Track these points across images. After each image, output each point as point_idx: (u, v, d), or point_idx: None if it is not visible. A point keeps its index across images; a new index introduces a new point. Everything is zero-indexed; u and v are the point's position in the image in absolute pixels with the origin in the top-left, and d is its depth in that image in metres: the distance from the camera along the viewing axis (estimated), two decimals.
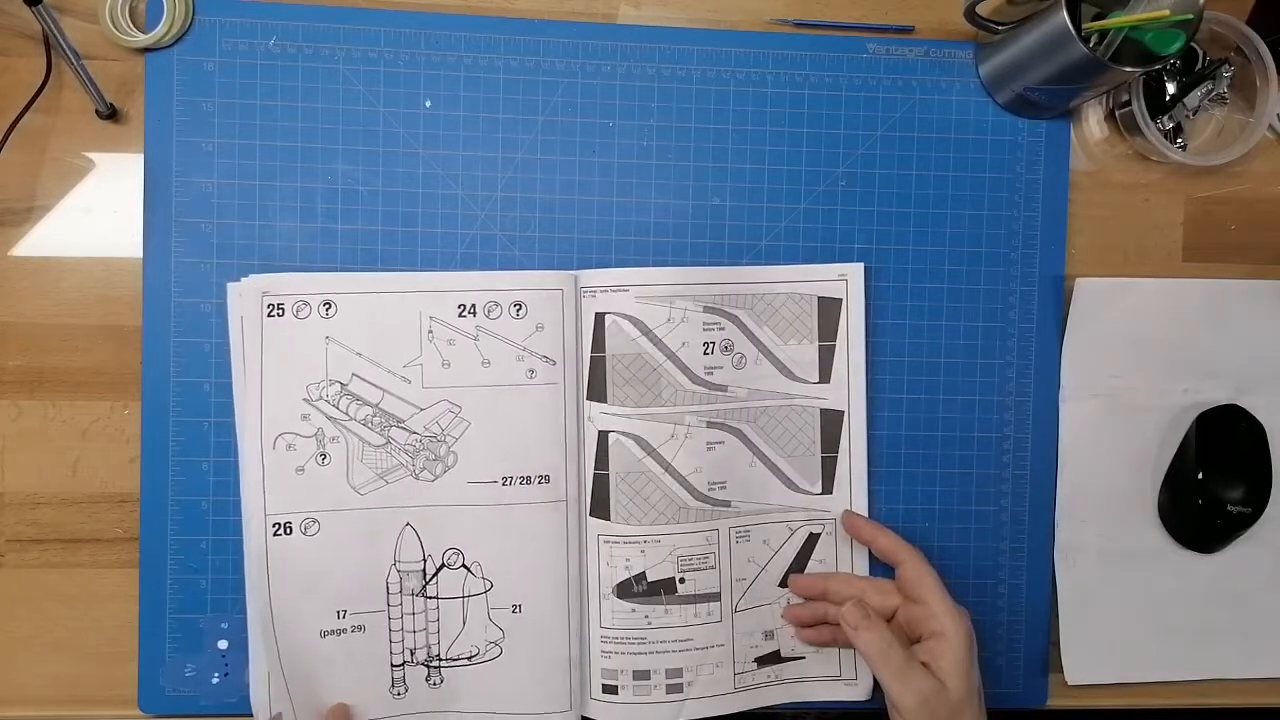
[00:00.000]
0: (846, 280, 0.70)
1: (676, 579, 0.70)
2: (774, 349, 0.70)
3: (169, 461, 0.68)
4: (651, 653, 0.69)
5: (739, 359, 0.70)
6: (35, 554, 0.69)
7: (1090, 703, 0.74)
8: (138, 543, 0.68)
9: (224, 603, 0.69)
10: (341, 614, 0.67)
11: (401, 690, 0.68)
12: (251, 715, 0.68)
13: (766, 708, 0.71)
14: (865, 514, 0.71)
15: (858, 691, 0.71)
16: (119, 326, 0.68)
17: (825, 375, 0.71)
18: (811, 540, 0.71)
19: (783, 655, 0.71)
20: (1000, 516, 0.73)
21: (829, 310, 0.70)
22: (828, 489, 0.71)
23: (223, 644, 0.69)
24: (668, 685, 0.70)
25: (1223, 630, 0.75)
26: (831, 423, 0.71)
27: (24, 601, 0.69)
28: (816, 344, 0.70)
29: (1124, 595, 0.74)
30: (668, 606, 0.70)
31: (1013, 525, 0.73)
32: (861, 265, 0.70)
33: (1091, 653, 0.73)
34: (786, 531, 0.71)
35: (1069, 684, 0.73)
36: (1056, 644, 0.73)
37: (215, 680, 0.69)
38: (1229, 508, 0.72)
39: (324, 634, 0.67)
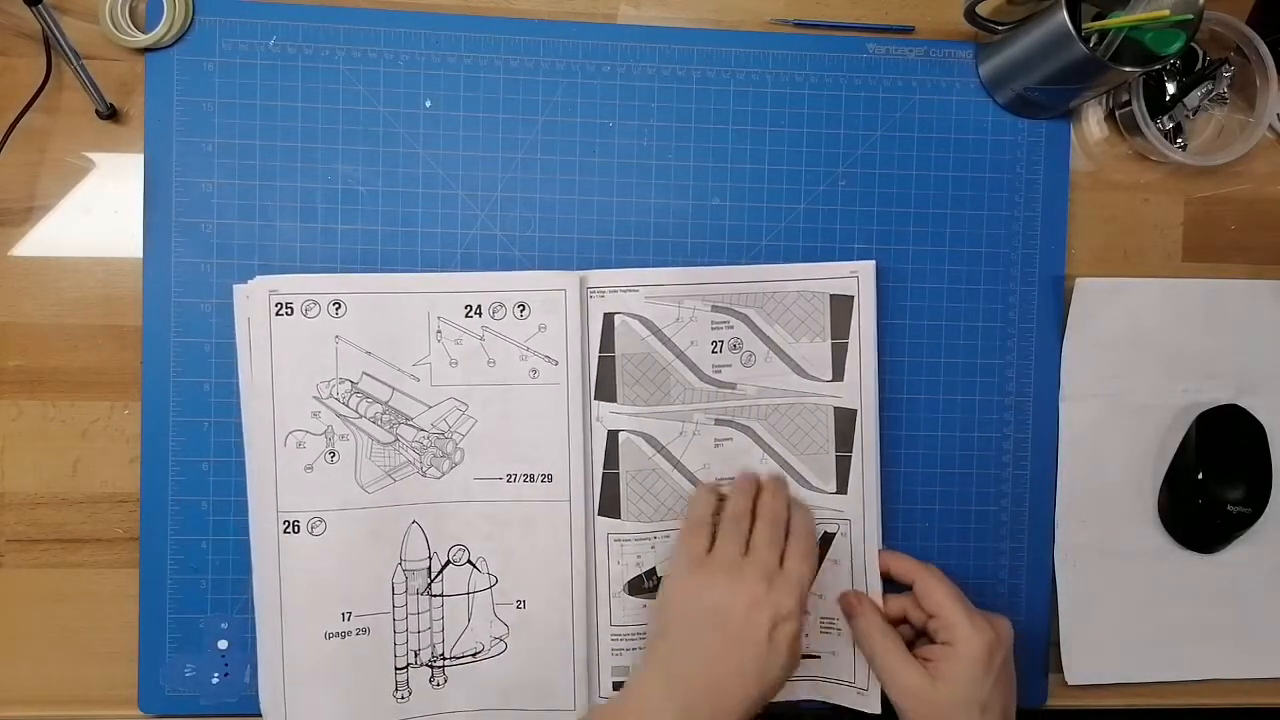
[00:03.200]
0: (858, 277, 0.70)
1: None
2: (786, 347, 0.70)
3: (169, 461, 0.68)
4: None
5: (748, 357, 0.70)
6: (35, 554, 0.69)
7: (1090, 703, 0.75)
8: (138, 543, 0.68)
9: (224, 603, 0.69)
10: (346, 616, 0.67)
11: (405, 694, 0.68)
12: (251, 716, 0.68)
13: (776, 702, 0.71)
14: (879, 514, 0.71)
15: (868, 703, 0.70)
16: (119, 326, 0.68)
17: (839, 373, 0.70)
18: (826, 539, 0.71)
19: None
20: (1000, 516, 0.73)
21: (841, 308, 0.70)
22: (842, 489, 0.71)
23: (223, 644, 0.69)
24: None
25: (1223, 630, 0.75)
26: (845, 421, 0.71)
27: (24, 601, 0.69)
28: (829, 341, 0.70)
29: (1124, 595, 0.74)
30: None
31: (1013, 525, 0.73)
32: (873, 263, 0.70)
33: (1091, 653, 0.73)
34: None
35: (1069, 684, 0.73)
36: (1056, 644, 0.73)
37: (215, 680, 0.69)
38: (1229, 508, 0.72)
39: (329, 636, 0.67)
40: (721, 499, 0.68)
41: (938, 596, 0.65)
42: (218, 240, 0.68)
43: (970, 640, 0.63)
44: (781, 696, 0.70)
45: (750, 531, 0.65)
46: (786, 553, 0.64)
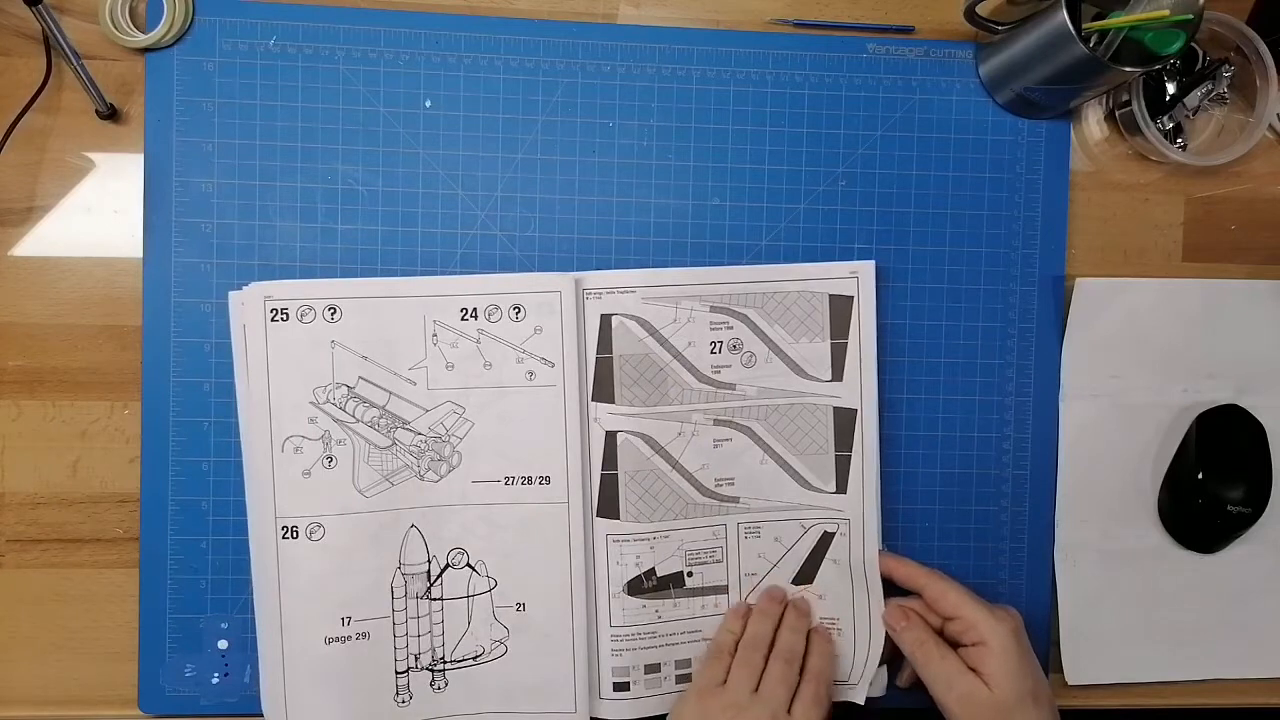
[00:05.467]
0: (858, 278, 0.70)
1: (685, 573, 0.70)
2: (785, 347, 0.70)
3: (169, 461, 0.68)
4: (661, 645, 0.70)
5: (748, 357, 0.70)
6: (35, 554, 0.69)
7: (1090, 703, 0.75)
8: (138, 543, 0.68)
9: (224, 603, 0.69)
10: (346, 620, 0.67)
11: (406, 697, 0.68)
12: (251, 716, 0.68)
13: None
14: (879, 513, 0.71)
15: (855, 694, 0.71)
16: (119, 326, 0.68)
17: (838, 373, 0.71)
18: (826, 539, 0.71)
19: None
20: (1000, 516, 0.73)
21: (840, 308, 0.70)
22: (842, 488, 0.71)
23: (223, 644, 0.69)
24: (677, 675, 0.70)
25: (1223, 630, 0.75)
26: (845, 421, 0.71)
27: (24, 601, 0.69)
28: (829, 341, 0.70)
29: (1124, 595, 0.74)
30: (676, 600, 0.70)
31: (1013, 525, 0.73)
32: (872, 263, 0.70)
33: (1091, 653, 0.73)
34: (799, 529, 0.71)
35: (1069, 684, 0.73)
36: (1056, 644, 0.73)
37: (215, 680, 0.69)
38: (1229, 508, 0.72)
39: (329, 640, 0.67)
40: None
41: (952, 598, 0.66)
42: (218, 240, 0.68)
43: (997, 632, 0.63)
44: None
45: (766, 663, 0.66)
46: (798, 695, 0.65)
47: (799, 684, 0.66)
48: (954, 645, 0.66)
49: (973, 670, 0.64)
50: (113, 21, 0.66)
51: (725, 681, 0.66)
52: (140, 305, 0.68)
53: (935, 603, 0.67)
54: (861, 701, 0.70)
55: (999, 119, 0.73)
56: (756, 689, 0.65)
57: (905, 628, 0.67)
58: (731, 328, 0.70)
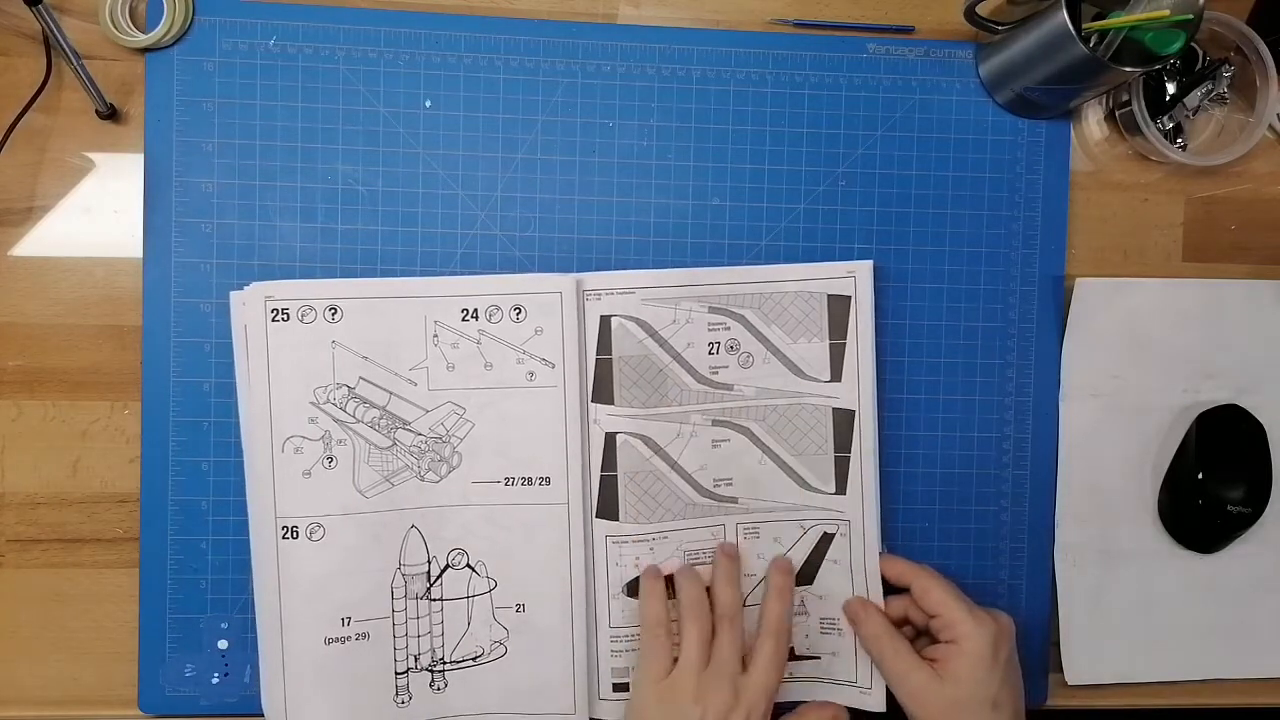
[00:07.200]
0: (855, 278, 0.70)
1: None
2: (783, 347, 0.70)
3: (169, 461, 0.68)
4: None
5: (746, 358, 0.70)
6: (35, 554, 0.69)
7: (1090, 703, 0.75)
8: (138, 543, 0.68)
9: (224, 603, 0.69)
10: (346, 621, 0.67)
11: (405, 698, 0.68)
12: (251, 716, 0.68)
13: (779, 704, 0.71)
14: (879, 514, 0.71)
15: (871, 701, 0.70)
16: (119, 326, 0.68)
17: (837, 374, 0.70)
18: (825, 540, 0.71)
19: (796, 653, 0.71)
20: (1000, 516, 0.73)
21: (838, 308, 0.70)
22: (841, 489, 0.71)
23: (223, 644, 0.69)
24: None
25: (1223, 630, 0.75)
26: (843, 422, 0.71)
27: (24, 601, 0.69)
28: (827, 342, 0.70)
29: (1124, 595, 0.74)
30: (676, 601, 0.70)
31: (1013, 525, 0.73)
32: (870, 263, 0.70)
33: (1091, 653, 0.73)
34: (799, 530, 0.71)
35: (1069, 684, 0.73)
36: (1056, 644, 0.73)
37: (215, 680, 0.69)
38: (1229, 508, 0.72)
39: (328, 641, 0.67)
40: (670, 581, 0.69)
41: (936, 594, 0.66)
42: (218, 240, 0.68)
43: (973, 636, 0.63)
44: (783, 698, 0.70)
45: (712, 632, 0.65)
46: (756, 652, 0.65)
47: (758, 639, 0.65)
48: (935, 642, 0.66)
49: (937, 665, 0.64)
50: (113, 21, 0.66)
51: (676, 660, 0.64)
52: (140, 305, 0.68)
53: (920, 599, 0.67)
54: (882, 708, 0.70)
55: (999, 119, 0.73)
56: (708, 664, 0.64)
57: (862, 620, 0.67)
58: (729, 328, 0.70)
